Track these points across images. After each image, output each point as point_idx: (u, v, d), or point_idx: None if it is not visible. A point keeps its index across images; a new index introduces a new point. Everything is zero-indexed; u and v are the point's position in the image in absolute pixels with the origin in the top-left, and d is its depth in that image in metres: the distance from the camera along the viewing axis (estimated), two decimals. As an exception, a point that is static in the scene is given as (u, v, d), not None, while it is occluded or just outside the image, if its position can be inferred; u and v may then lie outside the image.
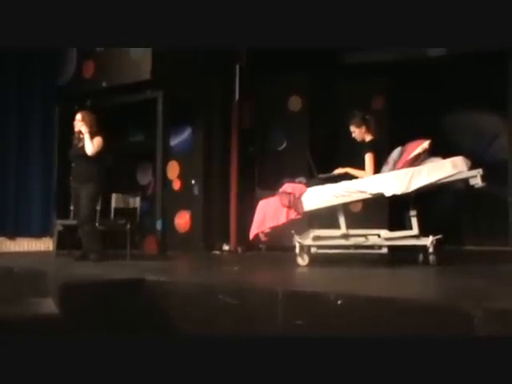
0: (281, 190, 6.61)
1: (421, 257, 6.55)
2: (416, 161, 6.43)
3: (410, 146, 6.56)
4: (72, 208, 7.97)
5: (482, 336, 3.33)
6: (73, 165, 7.61)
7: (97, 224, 7.60)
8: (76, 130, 7.44)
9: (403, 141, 6.75)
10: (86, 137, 7.28)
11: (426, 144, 6.45)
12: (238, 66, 9.89)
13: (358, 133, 6.88)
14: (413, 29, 5.21)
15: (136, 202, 8.26)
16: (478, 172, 6.22)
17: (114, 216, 8.21)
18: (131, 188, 8.79)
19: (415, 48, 8.94)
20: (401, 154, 6.58)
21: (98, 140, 7.33)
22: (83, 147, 7.31)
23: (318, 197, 6.51)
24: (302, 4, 5.28)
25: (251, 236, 6.72)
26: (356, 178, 6.63)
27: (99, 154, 7.34)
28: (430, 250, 6.28)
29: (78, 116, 7.46)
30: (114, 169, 8.62)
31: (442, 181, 6.34)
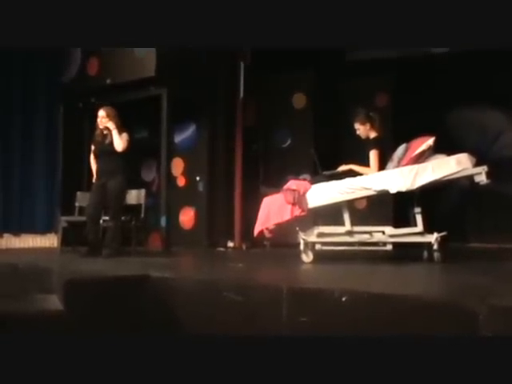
0: (285, 186, 6.61)
1: (425, 254, 6.55)
2: (421, 158, 6.43)
3: (414, 142, 6.56)
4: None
5: (486, 333, 3.33)
6: (93, 161, 7.62)
7: (101, 221, 7.62)
8: (101, 126, 7.41)
9: (407, 138, 6.74)
10: (115, 133, 7.29)
11: (430, 141, 6.44)
12: (242, 64, 9.89)
13: (362, 130, 6.88)
14: (415, 29, 5.19)
15: (140, 198, 8.26)
16: (483, 169, 6.21)
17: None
18: (136, 185, 8.79)
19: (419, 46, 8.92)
20: (405, 150, 6.57)
21: (125, 136, 7.35)
22: (111, 143, 7.32)
23: (323, 194, 6.51)
24: (305, 3, 5.27)
25: (256, 233, 6.72)
26: (360, 174, 6.63)
27: (126, 150, 7.34)
28: (435, 247, 6.27)
29: (102, 112, 7.43)
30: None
31: (446, 178, 6.33)
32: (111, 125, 7.30)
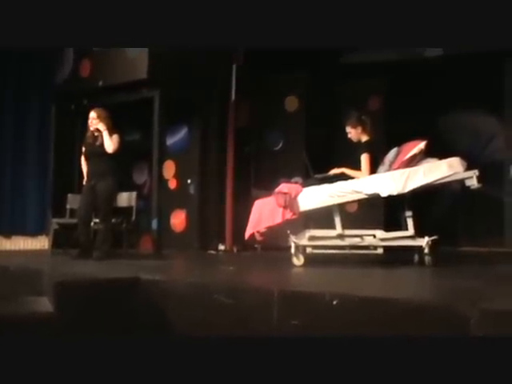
0: (277, 189, 6.60)
1: (416, 257, 6.55)
2: (412, 161, 6.43)
3: (406, 146, 6.57)
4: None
5: (477, 336, 3.33)
6: (84, 162, 7.60)
7: (92, 223, 7.59)
8: (92, 128, 7.38)
9: (399, 141, 6.75)
10: (106, 134, 7.26)
11: (422, 145, 6.45)
12: (234, 66, 9.89)
13: (353, 133, 6.88)
14: (410, 29, 5.20)
15: (132, 200, 8.25)
16: (474, 173, 6.22)
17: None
18: (127, 187, 8.77)
19: (412, 48, 8.94)
20: (397, 154, 6.58)
21: (116, 137, 7.33)
22: (101, 145, 7.29)
23: (314, 197, 6.51)
24: (300, 4, 5.27)
25: (247, 236, 6.71)
26: (352, 178, 6.63)
27: (117, 152, 7.32)
28: (426, 250, 6.27)
29: (93, 114, 7.41)
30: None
31: (437, 181, 6.34)
32: (102, 126, 7.28)
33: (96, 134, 7.36)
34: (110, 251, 7.30)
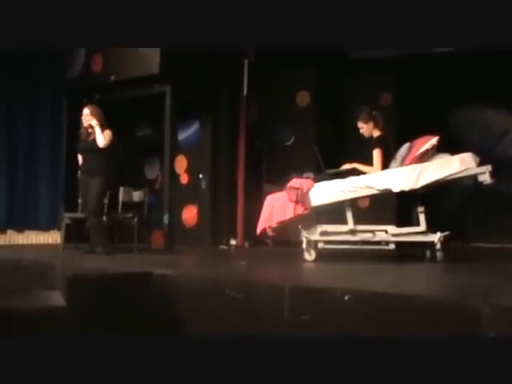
0: (288, 184, 6.60)
1: (428, 253, 6.54)
2: (424, 157, 6.42)
3: (418, 142, 6.55)
4: (80, 201, 8.01)
5: (489, 333, 3.32)
6: (80, 158, 7.65)
7: (104, 218, 7.63)
8: (85, 124, 7.47)
9: (411, 137, 6.73)
10: (97, 129, 7.33)
11: (434, 140, 6.43)
12: (246, 62, 9.87)
13: (365, 129, 6.88)
14: (420, 29, 5.18)
15: (143, 195, 8.27)
16: (487, 168, 6.20)
17: (122, 210, 8.23)
18: (139, 182, 8.78)
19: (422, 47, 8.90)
20: (409, 149, 6.56)
21: (108, 133, 7.39)
22: (94, 140, 7.35)
23: (326, 192, 6.51)
24: (308, 4, 5.26)
25: (258, 231, 6.71)
26: (364, 173, 6.62)
27: (109, 148, 7.37)
28: (438, 246, 6.25)
29: (86, 110, 7.50)
30: (122, 162, 8.63)
31: (450, 177, 6.32)
32: (94, 122, 7.37)
33: (90, 130, 7.44)
34: (109, 245, 7.38)
